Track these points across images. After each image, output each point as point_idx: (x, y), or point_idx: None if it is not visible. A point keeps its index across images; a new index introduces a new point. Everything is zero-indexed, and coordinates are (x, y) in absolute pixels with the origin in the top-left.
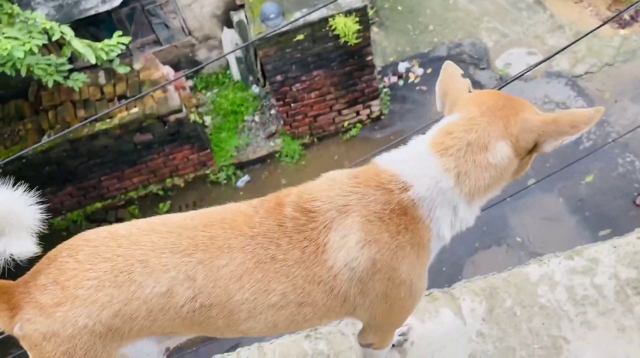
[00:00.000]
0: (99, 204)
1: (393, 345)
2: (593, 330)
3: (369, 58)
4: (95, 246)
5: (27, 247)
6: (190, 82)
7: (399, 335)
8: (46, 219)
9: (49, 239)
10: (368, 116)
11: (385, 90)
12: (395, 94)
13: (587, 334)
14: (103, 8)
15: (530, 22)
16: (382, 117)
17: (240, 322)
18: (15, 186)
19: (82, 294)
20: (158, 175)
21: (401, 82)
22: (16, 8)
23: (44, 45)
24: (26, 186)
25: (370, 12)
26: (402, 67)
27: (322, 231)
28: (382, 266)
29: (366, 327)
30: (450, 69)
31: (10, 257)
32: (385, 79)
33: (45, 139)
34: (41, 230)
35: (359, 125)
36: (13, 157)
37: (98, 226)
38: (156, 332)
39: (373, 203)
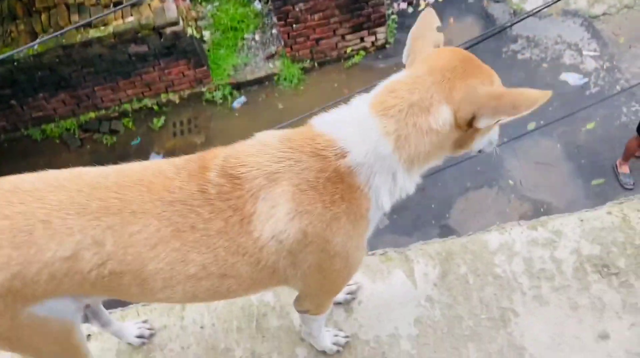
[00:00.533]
0: (92, 114)
1: (340, 303)
2: (545, 305)
3: None
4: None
5: None
6: None
7: (347, 293)
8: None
9: (42, 144)
10: (373, 43)
11: (393, 17)
12: (403, 22)
13: (537, 309)
14: None
15: None
16: (387, 46)
17: (156, 290)
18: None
19: None
20: (153, 89)
21: (410, 10)
22: None
23: None
24: (19, 91)
25: None
26: None
27: (249, 200)
28: (314, 239)
29: (301, 295)
30: (428, 17)
31: None
32: (395, 4)
33: (37, 41)
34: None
35: (362, 52)
36: (3, 56)
37: (92, 135)
38: (65, 294)
39: (306, 171)
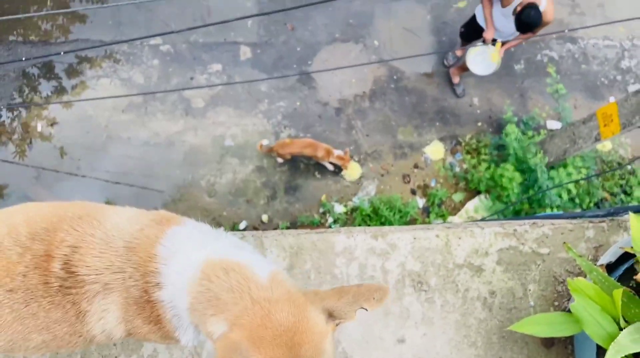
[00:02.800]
0: None
1: None
2: None
3: None
4: None
5: None
6: None
7: None
8: None
9: None
10: None
11: None
12: None
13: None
14: None
15: None
16: None
17: None
18: None
19: None
20: None
21: None
22: None
23: None
24: None
25: None
26: None
27: (84, 299)
28: (136, 335)
29: None
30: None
31: None
32: None
33: None
34: None
35: None
36: None
37: None
38: None
39: (134, 288)
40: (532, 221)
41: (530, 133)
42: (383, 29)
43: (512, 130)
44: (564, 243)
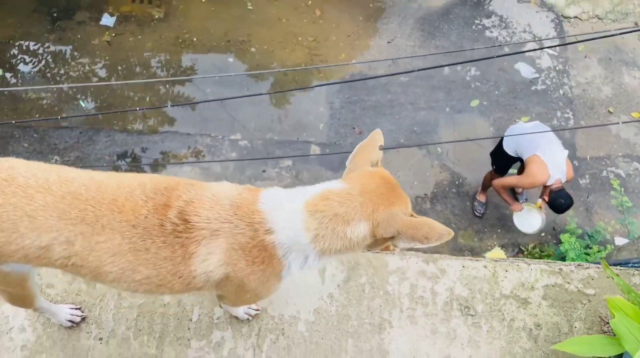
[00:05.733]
0: None
1: None
2: (414, 324)
3: None
4: None
5: None
6: None
7: None
8: None
9: None
10: None
11: None
12: None
13: (407, 326)
14: None
15: None
16: None
17: (105, 282)
18: None
19: None
20: None
21: None
22: None
23: None
24: None
25: None
26: None
27: (193, 243)
28: (234, 279)
29: (220, 295)
30: (376, 136)
31: None
32: None
33: None
34: None
35: None
36: None
37: None
38: (29, 264)
39: (240, 235)
40: (577, 263)
41: (595, 248)
42: (445, 137)
43: (566, 240)
44: (601, 258)
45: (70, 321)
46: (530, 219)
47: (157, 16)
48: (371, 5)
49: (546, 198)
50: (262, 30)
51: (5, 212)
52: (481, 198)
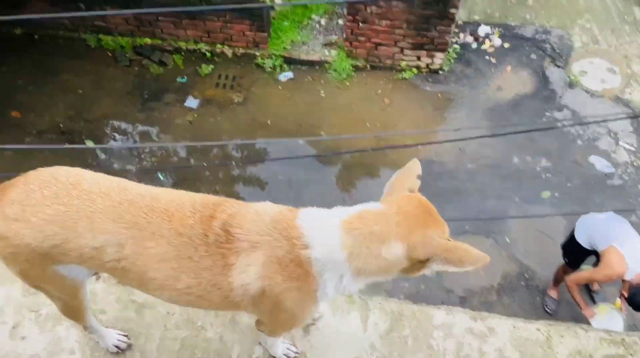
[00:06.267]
0: (148, 40)
1: None
2: None
3: (453, 11)
4: (60, 188)
5: None
6: None
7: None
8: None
9: (94, 52)
10: (427, 65)
11: (455, 47)
12: (463, 54)
13: None
14: None
15: (627, 39)
16: (440, 72)
17: (149, 289)
18: None
19: (35, 221)
20: (211, 37)
21: (474, 45)
22: None
23: None
24: None
25: None
26: (482, 30)
27: (234, 254)
28: (270, 295)
29: (259, 320)
30: (413, 166)
31: None
32: (461, 34)
33: None
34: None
35: (414, 70)
36: None
37: (142, 60)
38: (82, 266)
39: (278, 249)
40: None
41: None
42: (516, 228)
43: None
44: None
45: (116, 347)
46: (609, 322)
47: (236, 100)
48: (440, 95)
49: (625, 294)
50: (332, 115)
51: (68, 212)
52: (552, 293)
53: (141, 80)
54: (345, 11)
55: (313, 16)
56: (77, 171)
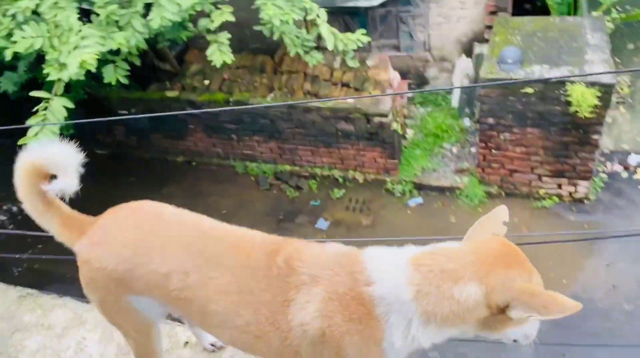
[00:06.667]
0: (288, 167)
1: None
2: None
3: (595, 137)
4: (142, 217)
5: (71, 184)
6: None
7: None
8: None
9: (241, 177)
10: (570, 194)
11: (602, 175)
12: (611, 183)
13: None
14: (362, 4)
15: None
16: (586, 201)
17: (212, 326)
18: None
19: (113, 245)
20: (345, 164)
21: (624, 175)
22: None
23: (300, 19)
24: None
25: (626, 90)
26: (633, 159)
27: (293, 288)
28: (330, 340)
29: None
30: (500, 212)
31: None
32: (608, 164)
33: (269, 97)
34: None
35: (555, 198)
36: (247, 107)
37: (280, 184)
38: (153, 297)
39: (339, 284)
40: None
41: None
42: None
43: None
44: None
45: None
46: None
47: (365, 223)
48: (586, 226)
49: None
50: None
51: (144, 238)
52: None
53: (278, 202)
54: (477, 138)
55: (444, 144)
56: (162, 204)
